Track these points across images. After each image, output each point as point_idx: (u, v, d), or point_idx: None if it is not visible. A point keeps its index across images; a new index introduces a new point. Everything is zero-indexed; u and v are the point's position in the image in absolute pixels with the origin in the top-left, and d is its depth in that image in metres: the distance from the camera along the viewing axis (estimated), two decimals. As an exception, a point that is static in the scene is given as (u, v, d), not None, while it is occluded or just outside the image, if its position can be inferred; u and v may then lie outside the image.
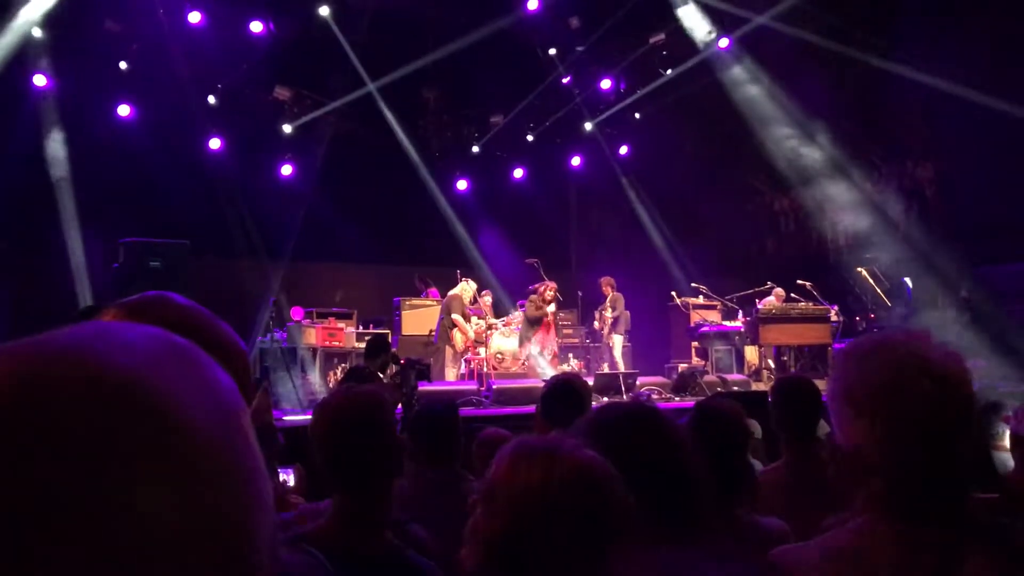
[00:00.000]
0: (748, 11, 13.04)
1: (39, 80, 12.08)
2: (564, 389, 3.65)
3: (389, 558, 2.07)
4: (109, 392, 0.48)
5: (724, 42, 13.69)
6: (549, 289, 11.97)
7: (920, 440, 1.34)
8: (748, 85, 13.90)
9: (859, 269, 12.71)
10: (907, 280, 12.35)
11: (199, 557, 0.48)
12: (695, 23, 13.66)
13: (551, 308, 11.91)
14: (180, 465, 0.48)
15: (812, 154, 13.84)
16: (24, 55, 11.87)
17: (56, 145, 12.29)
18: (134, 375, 0.49)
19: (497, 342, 12.26)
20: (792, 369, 12.15)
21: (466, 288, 12.01)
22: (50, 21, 11.88)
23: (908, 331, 1.45)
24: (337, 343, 12.49)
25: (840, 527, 1.49)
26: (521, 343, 12.10)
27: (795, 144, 13.74)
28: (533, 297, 12.03)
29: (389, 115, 14.94)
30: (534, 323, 11.92)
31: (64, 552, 0.43)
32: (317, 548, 1.96)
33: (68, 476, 0.44)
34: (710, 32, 13.57)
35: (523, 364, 12.20)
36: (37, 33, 11.87)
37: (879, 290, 12.43)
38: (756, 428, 4.08)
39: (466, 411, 8.59)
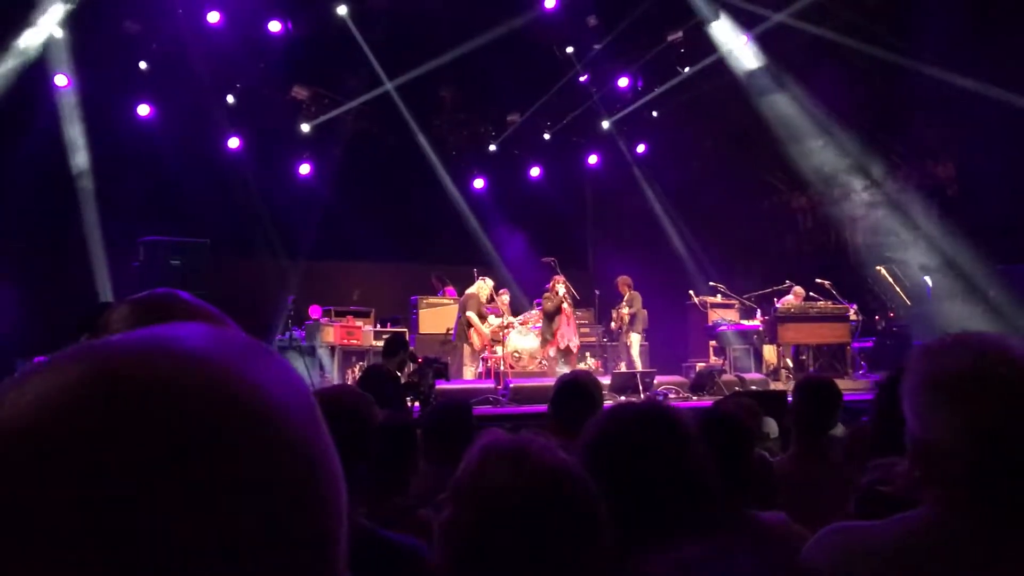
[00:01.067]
0: (766, 8, 12.98)
1: (60, 80, 12.18)
2: (574, 388, 3.64)
3: (359, 536, 2.08)
4: (195, 386, 0.48)
5: (743, 39, 13.62)
6: (558, 281, 12.01)
7: (1002, 428, 1.34)
8: (767, 84, 13.84)
9: (878, 268, 12.64)
10: (927, 279, 12.26)
11: (289, 555, 0.48)
12: (726, 36, 13.60)
13: (561, 291, 11.90)
14: (274, 459, 0.48)
15: (831, 152, 13.77)
16: (45, 55, 11.97)
17: (76, 145, 12.39)
18: (217, 368, 0.49)
19: (514, 341, 12.27)
20: (811, 368, 12.09)
21: (482, 286, 12.03)
22: (70, 22, 11.98)
23: (985, 332, 1.46)
24: (355, 341, 12.53)
25: (907, 515, 1.48)
26: (543, 343, 12.10)
27: (814, 142, 13.68)
28: (547, 294, 12.06)
29: (406, 114, 14.96)
30: (552, 316, 11.93)
31: (159, 548, 0.44)
32: None
33: (163, 475, 0.44)
34: (738, 43, 13.52)
35: (540, 363, 12.20)
36: (58, 34, 11.96)
37: (898, 289, 12.35)
38: (773, 427, 4.07)
39: (483, 409, 8.61)
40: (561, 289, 11.95)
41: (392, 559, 2.08)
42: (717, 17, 13.38)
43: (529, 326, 12.52)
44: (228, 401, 0.48)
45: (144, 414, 0.45)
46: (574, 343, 12.09)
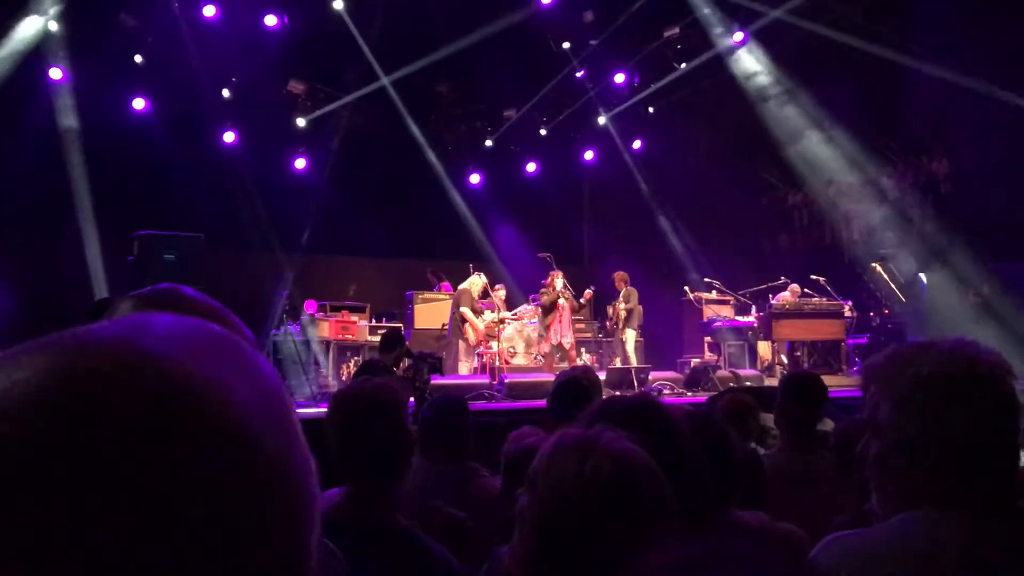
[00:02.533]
0: (763, 5, 12.99)
1: (55, 73, 12.15)
2: (572, 384, 3.64)
3: (400, 536, 2.10)
4: (151, 381, 0.47)
5: (739, 36, 13.63)
6: (556, 276, 11.99)
7: (992, 428, 1.40)
8: (762, 79, 13.85)
9: (873, 264, 12.66)
10: (922, 276, 12.28)
11: (252, 555, 0.47)
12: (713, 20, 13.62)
13: (559, 286, 11.87)
14: (225, 457, 0.47)
15: (827, 149, 13.78)
16: (40, 48, 11.93)
17: (71, 138, 12.35)
18: (176, 363, 0.48)
19: (509, 336, 12.27)
20: (805, 365, 12.11)
21: (475, 281, 12.01)
22: (66, 15, 11.94)
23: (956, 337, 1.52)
24: (350, 336, 12.53)
25: (896, 516, 1.51)
26: (540, 337, 12.08)
27: (809, 139, 13.69)
28: (543, 289, 12.05)
29: (402, 109, 14.95)
30: (548, 311, 11.90)
31: (113, 542, 0.43)
32: (327, 525, 1.99)
33: (110, 469, 0.44)
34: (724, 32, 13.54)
35: (535, 358, 12.21)
36: (53, 27, 11.92)
37: (893, 285, 12.37)
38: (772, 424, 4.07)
39: (478, 405, 8.61)
40: (559, 284, 11.91)
41: (427, 564, 2.09)
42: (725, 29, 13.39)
43: (524, 321, 12.52)
44: (185, 396, 0.47)
45: (98, 409, 0.45)
46: (567, 340, 11.96)
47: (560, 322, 11.89)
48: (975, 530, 1.40)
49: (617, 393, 10.08)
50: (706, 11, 13.50)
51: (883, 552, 1.48)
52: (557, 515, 1.31)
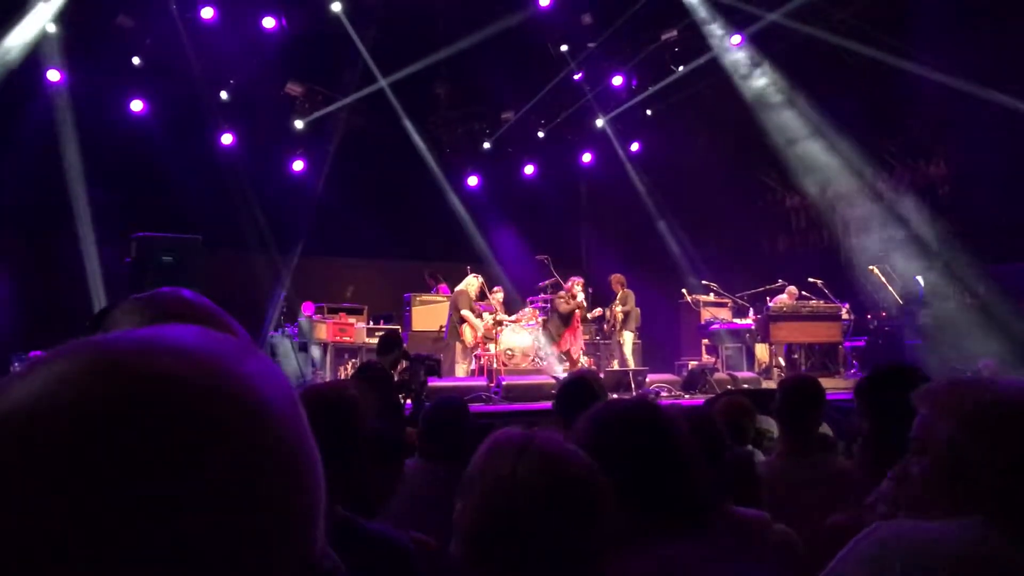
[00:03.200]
0: (761, 8, 13.00)
1: (52, 75, 12.13)
2: (578, 386, 3.65)
3: (338, 525, 2.11)
4: (196, 380, 0.51)
5: (736, 39, 13.64)
6: (577, 283, 12.06)
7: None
8: (760, 82, 13.87)
9: (871, 267, 12.66)
10: (919, 278, 12.29)
11: (269, 546, 0.51)
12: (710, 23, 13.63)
13: (580, 296, 11.95)
14: (262, 448, 0.51)
15: (824, 152, 13.79)
16: (38, 50, 11.92)
17: (69, 140, 12.33)
18: (216, 364, 0.53)
19: (507, 338, 12.26)
20: (803, 367, 12.12)
21: (471, 282, 12.00)
22: (63, 17, 11.93)
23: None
24: (347, 338, 12.52)
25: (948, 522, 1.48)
26: (554, 340, 12.07)
27: (807, 142, 13.70)
28: (562, 293, 12.07)
29: (400, 111, 14.95)
30: (567, 319, 11.95)
31: (147, 537, 0.46)
32: None
33: (159, 463, 0.47)
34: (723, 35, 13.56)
35: (533, 361, 12.21)
36: (51, 29, 11.91)
37: (891, 288, 12.37)
38: (773, 426, 4.07)
39: (475, 407, 8.60)
40: (580, 295, 11.96)
41: (375, 550, 2.10)
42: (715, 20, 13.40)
43: (522, 323, 12.52)
44: (221, 394, 0.51)
45: (142, 405, 0.48)
46: (575, 349, 12.09)
47: (573, 331, 11.95)
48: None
49: (614, 396, 10.09)
50: (703, 14, 13.50)
51: (942, 549, 1.43)
52: (489, 519, 1.29)
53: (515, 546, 1.27)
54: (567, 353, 11.98)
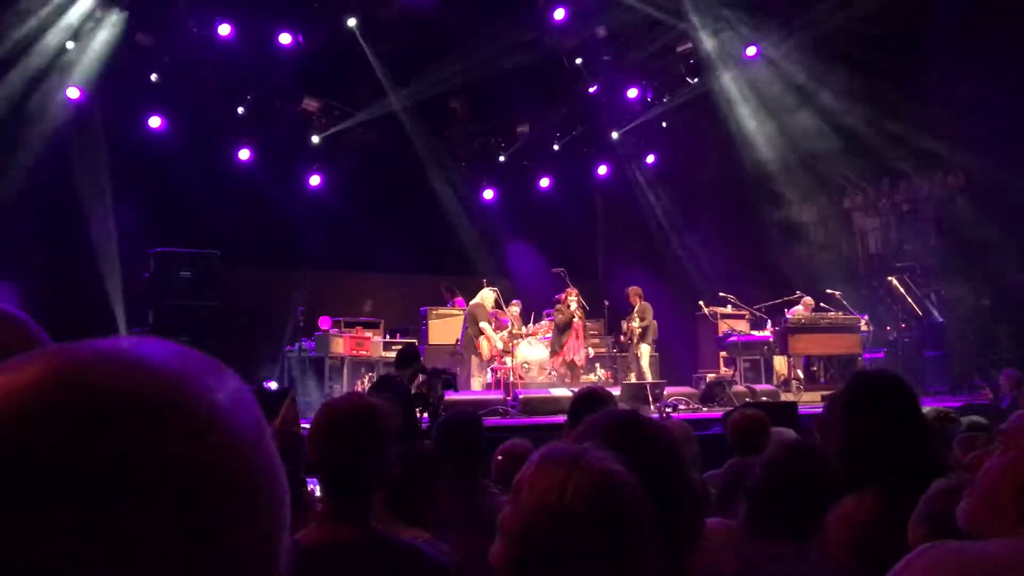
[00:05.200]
0: (779, 19, 13.01)
1: (72, 93, 12.25)
2: (592, 400, 3.65)
3: (374, 540, 2.11)
4: (153, 394, 0.50)
5: (752, 50, 13.64)
6: (571, 294, 12.07)
7: None
8: (777, 93, 13.86)
9: (889, 278, 12.59)
10: (939, 289, 12.22)
11: (226, 557, 0.50)
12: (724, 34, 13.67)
13: (573, 306, 11.99)
14: (220, 472, 0.51)
15: (842, 162, 13.75)
16: (58, 68, 12.04)
17: (88, 156, 12.43)
18: (177, 379, 0.52)
19: (523, 352, 12.26)
20: (821, 379, 12.06)
21: (487, 295, 12.01)
22: (83, 35, 12.06)
23: None
24: (364, 352, 12.55)
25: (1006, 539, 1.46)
26: (553, 353, 12.12)
27: (824, 152, 13.66)
28: (559, 305, 12.10)
29: (416, 125, 14.99)
30: (563, 329, 11.98)
31: (96, 546, 0.46)
32: (303, 547, 2.04)
33: (105, 478, 0.47)
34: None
35: (549, 374, 12.20)
36: (70, 46, 12.04)
37: (910, 299, 12.30)
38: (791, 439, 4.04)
39: (491, 421, 8.60)
40: (573, 303, 11.99)
41: (410, 564, 2.10)
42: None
43: (539, 337, 12.52)
44: (177, 409, 0.51)
45: (94, 417, 0.48)
46: (579, 358, 12.14)
47: (576, 339, 11.96)
48: None
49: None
50: (716, 25, 13.51)
51: (1000, 569, 1.38)
52: (537, 527, 1.32)
53: (556, 558, 1.31)
54: (571, 363, 12.01)
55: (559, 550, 1.31)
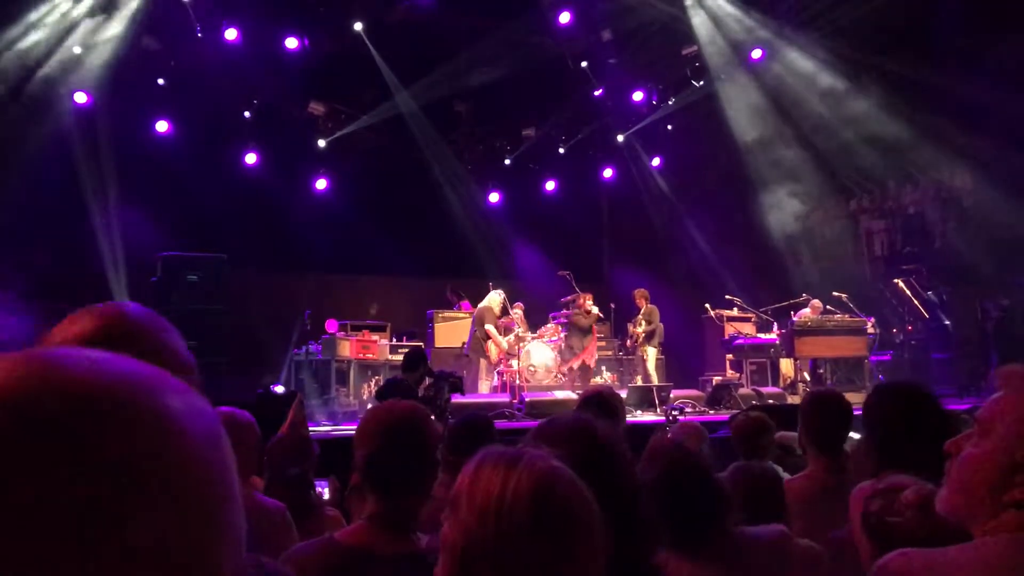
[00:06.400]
0: (785, 22, 13.02)
1: (80, 97, 12.30)
2: (598, 401, 3.66)
3: (415, 558, 2.10)
4: (115, 405, 0.51)
5: (757, 53, 13.64)
6: (588, 299, 12.27)
7: None
8: (782, 96, 13.86)
9: (896, 280, 12.57)
10: (945, 291, 12.20)
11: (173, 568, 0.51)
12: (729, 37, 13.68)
13: (595, 310, 12.31)
14: (166, 482, 0.51)
15: (848, 164, 13.73)
16: (66, 72, 12.09)
17: (95, 161, 12.46)
18: (133, 388, 0.53)
19: (530, 354, 12.27)
20: (829, 382, 12.03)
21: (495, 299, 12.03)
22: (90, 39, 12.11)
23: None
24: (371, 355, 12.55)
25: (982, 541, 1.48)
26: (570, 355, 12.21)
27: (831, 155, 13.65)
28: (576, 309, 12.21)
29: (422, 128, 15.02)
30: (586, 333, 12.22)
31: (39, 550, 0.47)
32: (345, 547, 2.03)
33: (53, 480, 0.48)
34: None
35: (556, 377, 12.22)
36: (77, 51, 12.09)
37: (916, 301, 12.28)
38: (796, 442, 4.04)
39: (499, 424, 8.60)
40: (595, 308, 12.27)
41: None
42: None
43: (545, 339, 12.52)
44: (126, 424, 0.51)
45: (50, 426, 0.49)
46: (593, 360, 12.38)
47: (594, 343, 12.25)
48: None
49: (639, 412, 10.08)
50: (722, 28, 13.53)
51: (959, 571, 1.45)
52: (478, 537, 1.24)
53: (499, 566, 1.23)
54: (586, 366, 12.18)
55: (503, 560, 1.22)
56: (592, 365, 12.35)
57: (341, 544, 2.08)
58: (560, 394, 10.63)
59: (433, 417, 6.84)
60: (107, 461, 0.49)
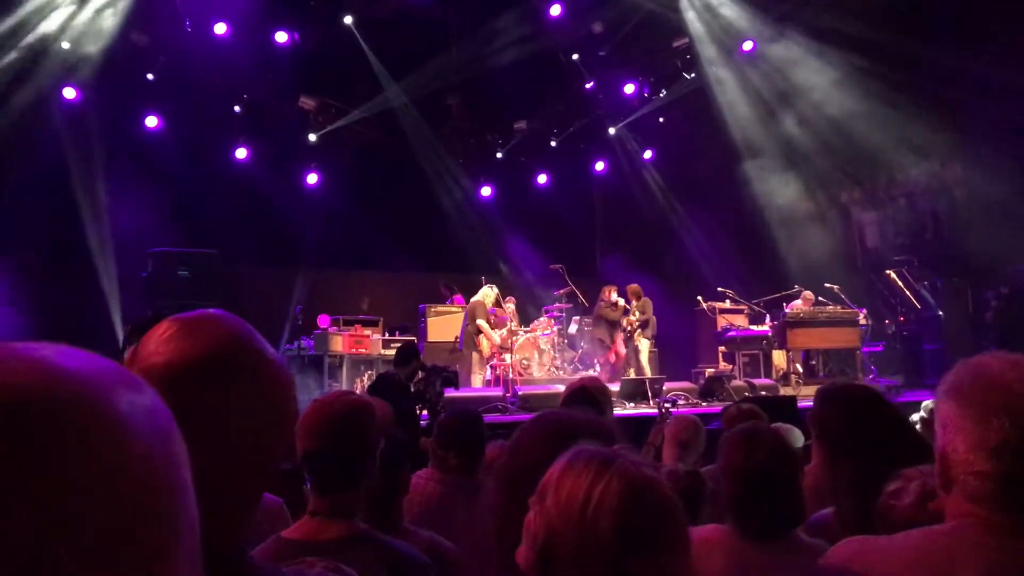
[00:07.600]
0: (775, 14, 13.01)
1: (68, 93, 12.23)
2: (582, 394, 3.65)
3: (358, 539, 2.13)
4: (60, 398, 0.52)
5: (748, 45, 13.64)
6: (612, 291, 12.70)
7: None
8: (773, 87, 13.86)
9: (888, 271, 12.59)
10: (937, 281, 12.21)
11: (121, 563, 0.51)
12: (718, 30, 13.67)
13: (621, 302, 12.62)
14: (112, 476, 0.52)
15: (839, 156, 13.73)
16: (54, 68, 12.02)
17: (85, 156, 12.41)
18: (85, 386, 0.54)
19: (523, 348, 12.26)
20: (821, 373, 12.05)
21: (487, 293, 12.02)
22: (78, 34, 12.04)
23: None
24: (363, 350, 12.53)
25: (929, 528, 1.53)
26: (605, 347, 12.67)
27: (822, 146, 13.65)
28: (602, 303, 12.61)
29: (413, 122, 14.99)
30: (614, 325, 12.65)
31: None
32: (289, 542, 2.08)
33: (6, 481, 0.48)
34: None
35: (549, 370, 12.23)
36: (65, 45, 12.02)
37: (908, 292, 12.30)
38: (797, 436, 4.01)
39: (491, 417, 8.60)
40: (621, 300, 12.57)
41: (395, 564, 2.12)
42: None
43: (537, 333, 12.52)
44: (87, 417, 0.52)
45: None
46: (623, 350, 12.77)
47: (620, 335, 12.70)
48: (998, 551, 1.39)
49: (631, 405, 10.09)
50: (713, 20, 13.52)
51: (902, 557, 1.50)
52: (560, 533, 1.24)
53: (575, 563, 1.23)
54: (621, 356, 12.66)
55: (583, 562, 1.22)
56: (623, 356, 12.65)
57: (286, 539, 2.13)
58: (553, 388, 10.63)
59: (425, 411, 6.83)
60: (51, 464, 0.49)
